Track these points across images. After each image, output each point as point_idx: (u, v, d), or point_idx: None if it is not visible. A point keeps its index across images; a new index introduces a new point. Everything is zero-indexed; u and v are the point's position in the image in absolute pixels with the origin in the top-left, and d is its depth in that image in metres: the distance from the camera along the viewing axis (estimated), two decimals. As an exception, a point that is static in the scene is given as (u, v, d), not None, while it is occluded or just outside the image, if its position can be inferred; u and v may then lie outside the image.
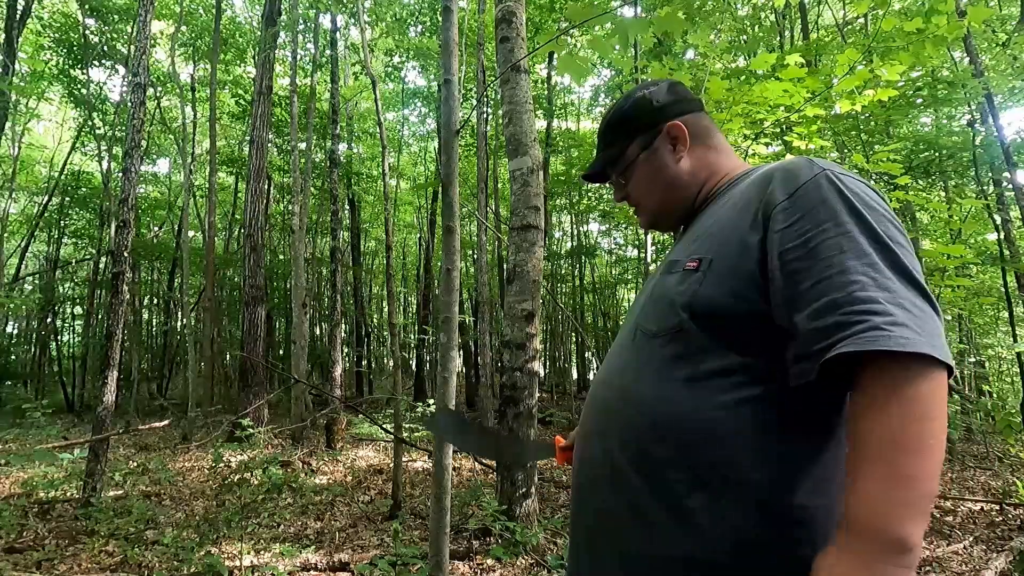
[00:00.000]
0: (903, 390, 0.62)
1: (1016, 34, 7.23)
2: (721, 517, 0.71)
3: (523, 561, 3.49)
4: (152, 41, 7.82)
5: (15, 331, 17.35)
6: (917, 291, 0.67)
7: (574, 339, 17.13)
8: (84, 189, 14.10)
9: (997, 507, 4.69)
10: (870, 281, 0.66)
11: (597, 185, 13.32)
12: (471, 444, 1.47)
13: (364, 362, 16.41)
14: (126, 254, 4.99)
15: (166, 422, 7.47)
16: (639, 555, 0.77)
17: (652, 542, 0.76)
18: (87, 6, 10.74)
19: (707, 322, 0.77)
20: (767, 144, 4.59)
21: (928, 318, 0.65)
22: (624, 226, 15.21)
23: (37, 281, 17.26)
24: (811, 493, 0.71)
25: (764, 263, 0.75)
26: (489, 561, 3.50)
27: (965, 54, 7.62)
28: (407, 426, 8.80)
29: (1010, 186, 7.00)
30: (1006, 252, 7.72)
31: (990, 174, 7.88)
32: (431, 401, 6.98)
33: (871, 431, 0.63)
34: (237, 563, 3.48)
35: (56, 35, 11.58)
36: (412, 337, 17.10)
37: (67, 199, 14.17)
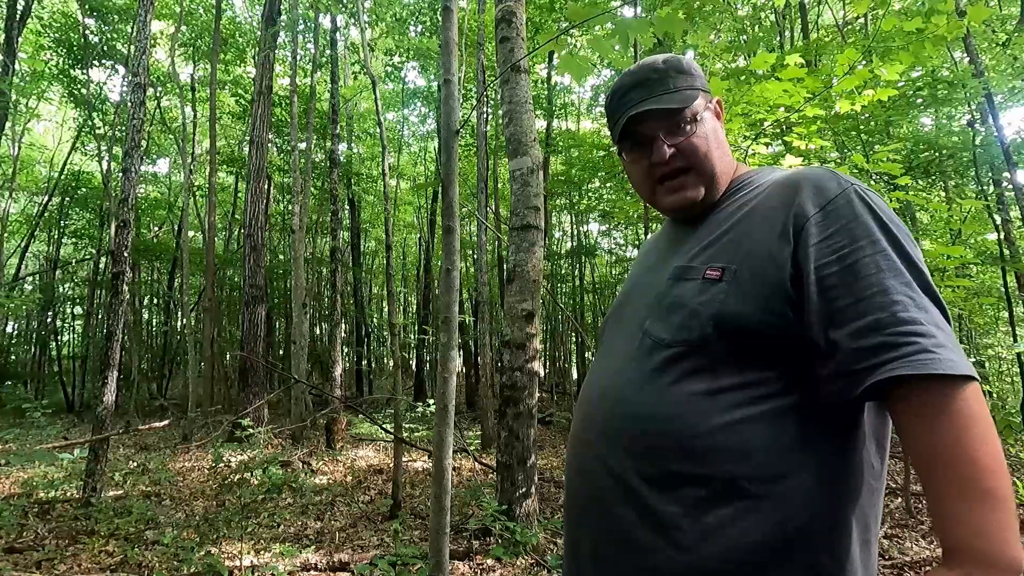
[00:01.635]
0: (964, 411, 0.63)
1: (1016, 34, 7.23)
2: (742, 531, 0.70)
3: (523, 561, 3.49)
4: (152, 41, 7.82)
5: (15, 331, 17.35)
6: (941, 311, 0.70)
7: (574, 339, 17.14)
8: (84, 189, 14.11)
9: (997, 507, 4.68)
10: (910, 301, 0.68)
11: (597, 185, 13.34)
12: None
13: (364, 362, 16.41)
14: (126, 254, 4.99)
15: (166, 422, 7.48)
16: (655, 570, 0.75)
17: (669, 558, 0.74)
18: (87, 6, 10.75)
19: (733, 334, 0.75)
20: (767, 144, 4.59)
21: (954, 338, 0.68)
22: (624, 226, 15.21)
23: (37, 281, 17.25)
24: (834, 506, 0.71)
25: (796, 276, 0.74)
26: (489, 561, 3.50)
27: (965, 54, 7.62)
28: (407, 426, 8.80)
29: (1010, 186, 7.00)
30: (1006, 252, 7.71)
31: (990, 174, 7.89)
32: (431, 401, 6.98)
33: (950, 457, 0.63)
34: (237, 563, 3.48)
35: (56, 35, 11.58)
36: (412, 337, 17.12)
37: (67, 199, 14.17)
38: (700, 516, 0.72)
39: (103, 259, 13.21)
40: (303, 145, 10.57)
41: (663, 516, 0.74)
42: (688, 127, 0.88)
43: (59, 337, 16.14)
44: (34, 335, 16.72)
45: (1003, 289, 8.70)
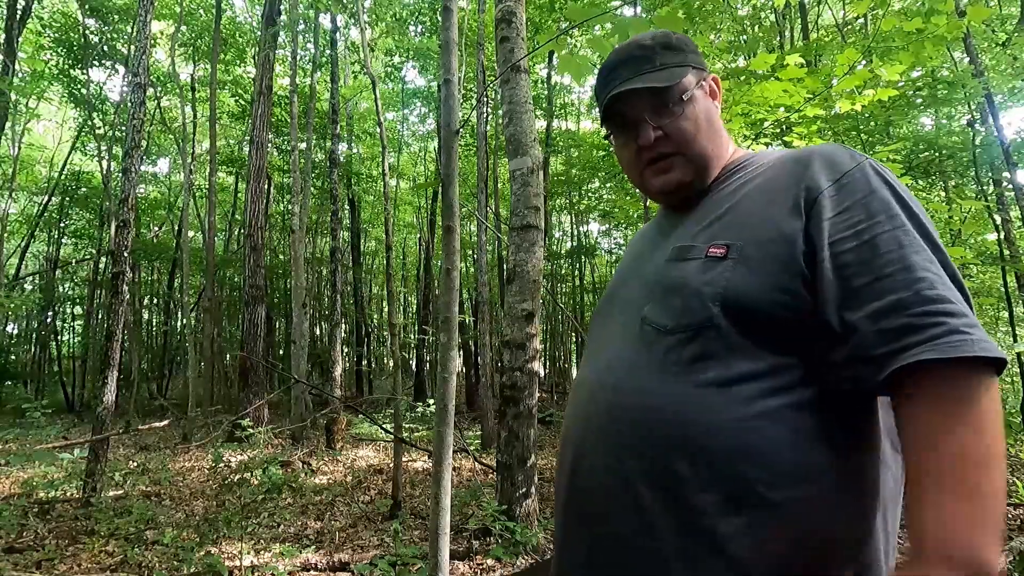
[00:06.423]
0: (973, 401, 0.58)
1: (1016, 34, 7.22)
2: (759, 543, 0.63)
3: (523, 561, 3.49)
4: (152, 41, 7.82)
5: (15, 331, 17.35)
6: (962, 293, 0.64)
7: (574, 339, 17.14)
8: (84, 189, 14.13)
9: (997, 507, 4.68)
10: (936, 278, 0.62)
11: (597, 185, 13.34)
12: None
13: (364, 362, 16.42)
14: (126, 254, 4.99)
15: (166, 422, 7.49)
16: None
17: (674, 572, 0.66)
18: (87, 6, 10.74)
19: (741, 316, 0.68)
20: (767, 144, 4.59)
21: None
22: (624, 226, 15.20)
23: (37, 281, 17.25)
24: (861, 513, 0.65)
25: (809, 253, 0.68)
26: (489, 561, 3.50)
27: (965, 54, 7.62)
28: (407, 426, 8.80)
29: (1010, 186, 7.00)
30: (1006, 252, 7.71)
31: (990, 174, 7.89)
32: (431, 401, 6.98)
33: (943, 446, 0.57)
34: (237, 563, 3.48)
35: (56, 35, 11.59)
36: (412, 337, 17.10)
37: (67, 199, 14.19)
38: (713, 526, 0.64)
39: (103, 259, 13.21)
40: (303, 145, 10.57)
41: (671, 526, 0.66)
42: (675, 107, 0.82)
43: (59, 337, 16.16)
44: (34, 335, 16.73)
45: (1003, 289, 8.70)
